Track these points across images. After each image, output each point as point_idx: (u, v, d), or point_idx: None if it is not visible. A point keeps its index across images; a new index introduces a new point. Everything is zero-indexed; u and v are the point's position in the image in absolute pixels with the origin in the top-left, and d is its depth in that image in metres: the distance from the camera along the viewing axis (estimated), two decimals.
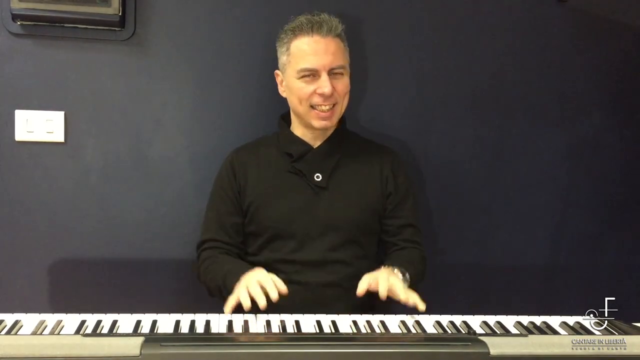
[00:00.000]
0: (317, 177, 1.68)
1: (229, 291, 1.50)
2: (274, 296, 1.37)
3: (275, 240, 1.68)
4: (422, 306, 1.41)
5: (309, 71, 1.62)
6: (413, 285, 1.60)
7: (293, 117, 1.75)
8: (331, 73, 1.63)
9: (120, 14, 1.77)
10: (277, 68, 1.74)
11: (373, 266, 1.64)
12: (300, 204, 1.67)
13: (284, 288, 1.41)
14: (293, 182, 1.69)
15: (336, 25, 1.65)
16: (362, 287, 1.45)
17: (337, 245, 1.67)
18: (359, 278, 1.52)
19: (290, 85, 1.67)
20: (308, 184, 1.68)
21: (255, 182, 1.70)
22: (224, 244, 1.69)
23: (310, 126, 1.69)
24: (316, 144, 1.72)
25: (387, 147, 1.83)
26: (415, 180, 1.93)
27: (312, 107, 1.64)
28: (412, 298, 1.42)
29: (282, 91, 1.74)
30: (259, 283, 1.40)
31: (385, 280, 1.44)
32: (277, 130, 1.79)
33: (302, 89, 1.64)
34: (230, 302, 1.41)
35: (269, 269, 1.62)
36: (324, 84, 1.61)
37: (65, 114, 1.84)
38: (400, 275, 1.52)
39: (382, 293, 1.42)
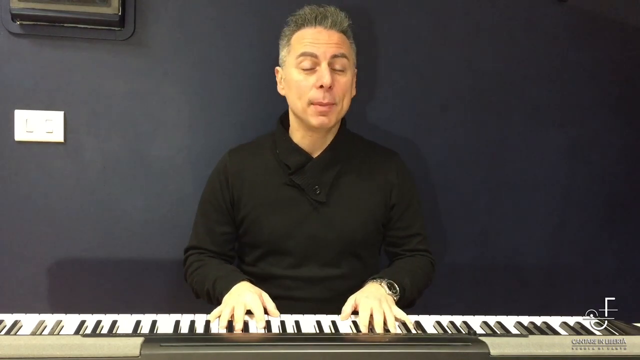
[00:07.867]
0: (316, 190, 1.59)
1: (218, 298, 1.47)
2: (260, 326, 1.32)
3: (271, 255, 1.62)
4: (409, 324, 1.36)
5: (309, 55, 1.51)
6: (415, 291, 1.58)
7: (292, 118, 1.63)
8: (332, 68, 1.52)
9: (119, 13, 1.76)
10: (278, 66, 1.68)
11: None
12: (297, 220, 1.59)
13: (275, 313, 1.39)
14: (290, 196, 1.59)
15: (342, 19, 1.55)
16: (346, 312, 1.40)
17: (335, 261, 1.61)
18: (359, 289, 1.49)
19: (289, 78, 1.56)
20: (306, 197, 1.59)
21: (250, 195, 1.61)
22: (211, 252, 1.65)
23: (309, 127, 1.57)
24: (315, 152, 1.61)
25: (392, 151, 1.73)
26: (415, 180, 1.93)
27: (311, 103, 1.53)
28: (391, 323, 1.34)
29: (281, 89, 1.64)
30: (245, 307, 1.35)
31: (366, 311, 1.36)
32: (274, 131, 1.69)
33: (300, 82, 1.53)
34: (214, 315, 1.37)
35: (267, 282, 1.60)
36: (323, 73, 1.50)
37: (64, 114, 1.84)
38: (386, 288, 1.47)
39: (362, 329, 1.33)
